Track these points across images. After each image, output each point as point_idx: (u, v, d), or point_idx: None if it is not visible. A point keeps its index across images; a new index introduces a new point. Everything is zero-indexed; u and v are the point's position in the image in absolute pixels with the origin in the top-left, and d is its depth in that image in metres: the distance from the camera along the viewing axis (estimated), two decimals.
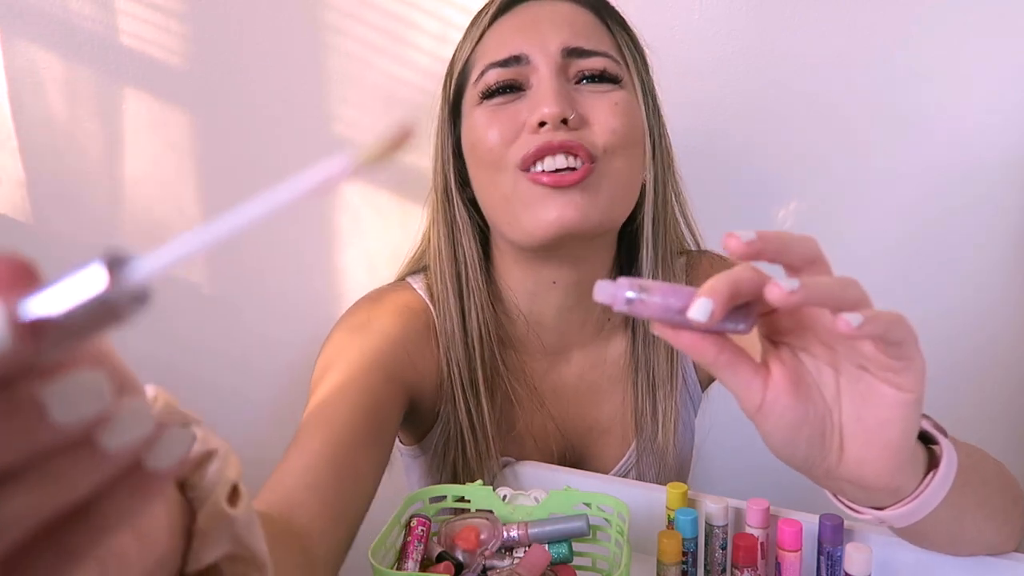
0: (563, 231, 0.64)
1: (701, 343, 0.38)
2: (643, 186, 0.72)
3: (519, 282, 0.73)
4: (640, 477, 0.78)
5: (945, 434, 0.47)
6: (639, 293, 0.36)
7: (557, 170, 0.64)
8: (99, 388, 0.17)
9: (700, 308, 0.35)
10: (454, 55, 0.74)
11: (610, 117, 0.66)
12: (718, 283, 0.36)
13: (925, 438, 0.47)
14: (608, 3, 0.72)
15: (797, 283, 0.35)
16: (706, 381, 0.83)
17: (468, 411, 0.71)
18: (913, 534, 0.52)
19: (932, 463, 0.45)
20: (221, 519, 0.27)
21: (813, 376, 0.41)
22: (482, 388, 0.71)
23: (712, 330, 0.38)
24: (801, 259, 0.38)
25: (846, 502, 0.45)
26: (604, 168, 0.66)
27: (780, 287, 0.34)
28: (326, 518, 0.53)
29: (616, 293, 0.36)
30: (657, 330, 0.38)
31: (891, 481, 0.41)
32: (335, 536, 0.54)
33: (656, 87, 0.73)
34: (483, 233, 0.75)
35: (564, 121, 0.64)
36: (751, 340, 0.42)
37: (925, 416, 0.47)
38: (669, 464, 0.77)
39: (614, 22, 0.72)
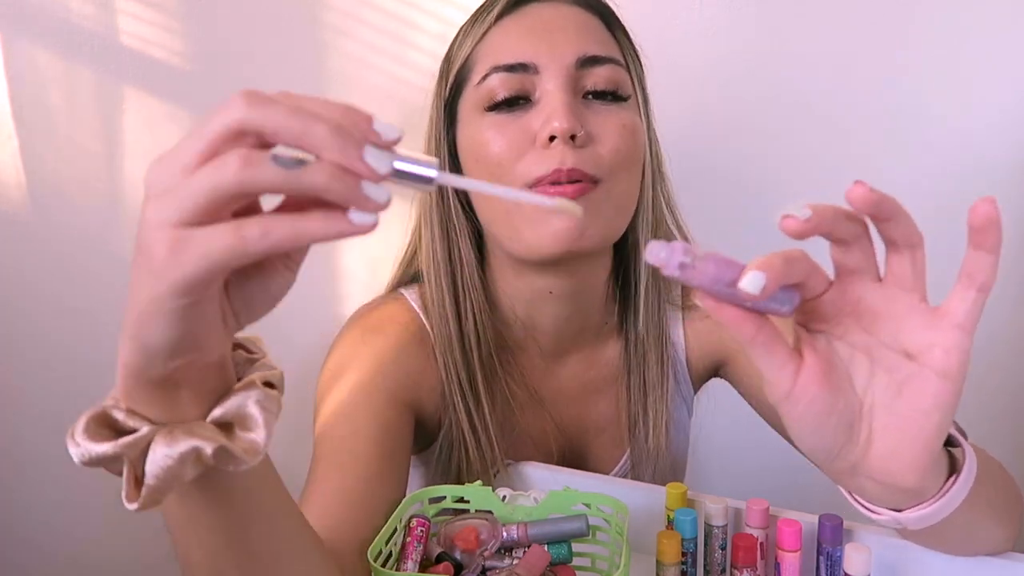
0: (565, 248, 0.64)
1: (743, 319, 0.37)
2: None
3: (516, 290, 0.73)
4: (636, 477, 0.78)
5: (966, 436, 0.46)
6: (693, 260, 0.35)
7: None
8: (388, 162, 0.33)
9: (753, 280, 0.35)
10: (451, 51, 0.73)
11: (617, 138, 0.66)
12: (773, 259, 0.36)
13: (945, 441, 0.46)
14: (612, 9, 0.72)
15: (809, 211, 0.36)
16: (698, 382, 0.82)
17: (468, 412, 0.71)
18: (927, 536, 0.52)
19: (952, 466, 0.45)
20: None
21: (845, 365, 0.40)
22: (481, 389, 0.71)
23: (756, 308, 0.37)
24: (852, 235, 0.38)
25: (863, 502, 0.44)
26: (608, 188, 0.65)
27: (795, 216, 0.36)
28: (352, 552, 0.55)
29: (669, 259, 0.35)
30: (701, 300, 0.37)
31: (917, 480, 0.40)
32: (361, 564, 0.55)
33: (648, 88, 0.73)
34: (478, 235, 0.74)
35: (572, 137, 0.63)
36: (784, 328, 0.41)
37: None
38: (663, 464, 0.77)
39: (618, 28, 0.71)
